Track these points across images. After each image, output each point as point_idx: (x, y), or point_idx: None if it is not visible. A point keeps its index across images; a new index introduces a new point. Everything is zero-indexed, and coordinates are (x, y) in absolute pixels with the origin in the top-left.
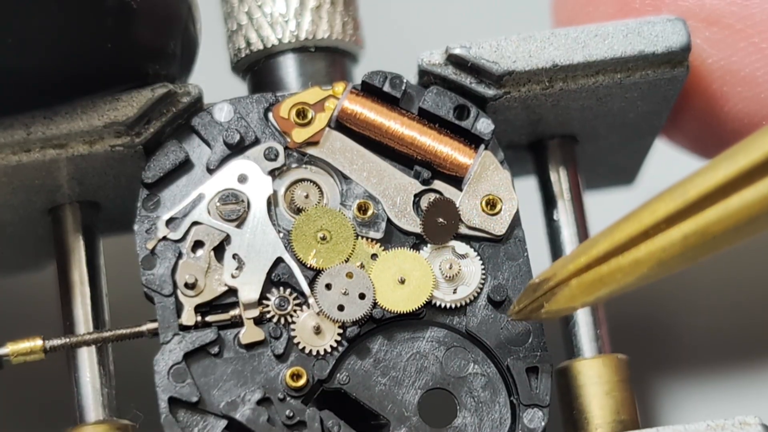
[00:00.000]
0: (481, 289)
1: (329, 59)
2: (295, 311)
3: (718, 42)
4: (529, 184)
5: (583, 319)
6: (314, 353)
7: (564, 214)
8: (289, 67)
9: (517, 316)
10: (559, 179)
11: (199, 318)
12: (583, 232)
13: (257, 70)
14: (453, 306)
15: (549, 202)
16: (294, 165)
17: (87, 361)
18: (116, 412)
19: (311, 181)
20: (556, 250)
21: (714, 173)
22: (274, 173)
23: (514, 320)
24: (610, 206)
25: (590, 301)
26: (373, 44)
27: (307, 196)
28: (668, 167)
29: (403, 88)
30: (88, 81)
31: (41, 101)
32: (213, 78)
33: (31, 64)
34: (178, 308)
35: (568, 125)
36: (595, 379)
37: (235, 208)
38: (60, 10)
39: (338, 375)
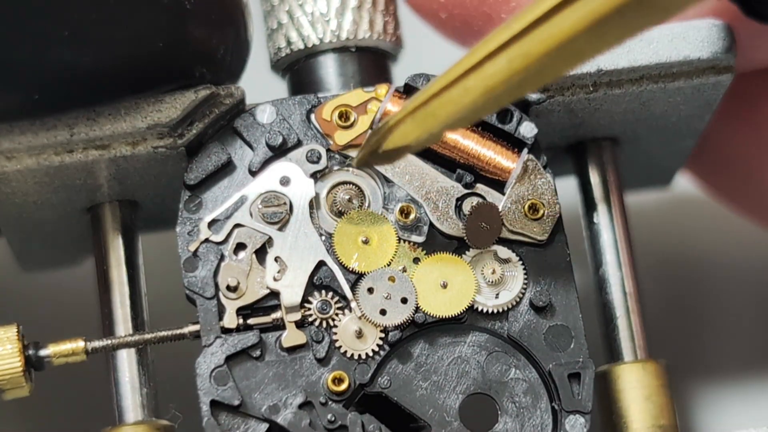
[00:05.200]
0: (524, 294)
1: (370, 59)
2: (337, 315)
3: None
4: (568, 185)
5: (623, 323)
6: (356, 357)
7: (604, 217)
8: (329, 66)
9: (358, 162)
10: (600, 182)
11: (240, 321)
12: (624, 235)
13: (297, 69)
14: (495, 311)
15: (589, 204)
16: (336, 168)
17: (126, 361)
18: (155, 413)
19: (353, 184)
20: (596, 253)
21: (539, 4)
22: (317, 176)
23: (356, 168)
24: (649, 207)
25: (424, 138)
26: (415, 45)
27: (349, 199)
28: None
29: None
30: (137, 79)
31: (89, 99)
32: (252, 76)
33: (84, 59)
34: (220, 311)
35: (610, 128)
36: (635, 383)
37: (277, 210)
38: (117, 5)
39: (380, 379)
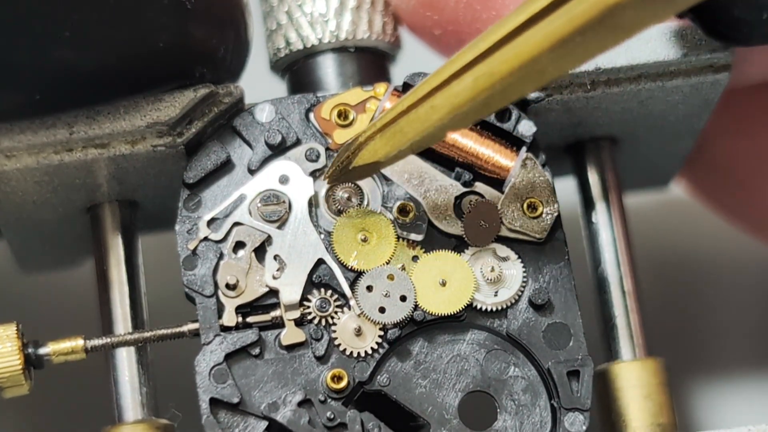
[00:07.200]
0: (522, 291)
1: (368, 59)
2: (336, 313)
3: None
4: (567, 185)
5: (621, 322)
6: (355, 355)
7: (603, 216)
8: (328, 67)
9: (329, 178)
10: (598, 181)
11: (240, 319)
12: (622, 234)
13: (296, 69)
14: (494, 309)
15: (588, 203)
16: None
17: (126, 360)
18: (155, 412)
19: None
20: (594, 252)
21: (503, 25)
22: (316, 174)
23: (328, 184)
24: (648, 206)
25: (393, 154)
26: (413, 44)
27: (348, 198)
28: None
29: None
30: (136, 79)
31: (89, 99)
32: (251, 75)
33: (85, 60)
34: (219, 309)
35: (608, 127)
36: (634, 381)
37: (276, 209)
38: (118, 5)
39: (379, 377)
